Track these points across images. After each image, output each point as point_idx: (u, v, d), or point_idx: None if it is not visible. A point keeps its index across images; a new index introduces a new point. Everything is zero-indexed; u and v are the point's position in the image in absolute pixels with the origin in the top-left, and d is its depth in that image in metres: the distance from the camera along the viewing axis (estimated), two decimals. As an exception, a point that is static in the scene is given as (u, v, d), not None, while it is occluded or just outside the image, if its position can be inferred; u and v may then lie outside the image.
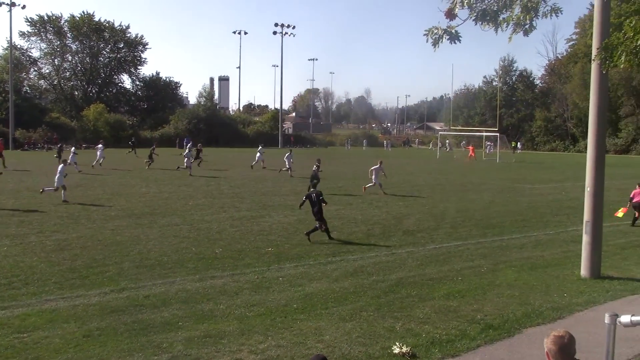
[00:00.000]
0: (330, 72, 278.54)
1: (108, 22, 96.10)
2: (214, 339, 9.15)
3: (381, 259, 15.11)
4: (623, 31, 7.25)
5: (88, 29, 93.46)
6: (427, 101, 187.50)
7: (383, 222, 20.58)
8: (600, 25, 13.08)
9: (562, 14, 7.86)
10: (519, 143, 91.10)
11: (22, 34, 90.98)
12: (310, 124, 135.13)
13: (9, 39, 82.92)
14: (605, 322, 4.28)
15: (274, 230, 18.63)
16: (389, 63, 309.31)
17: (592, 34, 13.56)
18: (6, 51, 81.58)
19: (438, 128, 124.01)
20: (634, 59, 7.16)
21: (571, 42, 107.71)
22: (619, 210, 21.21)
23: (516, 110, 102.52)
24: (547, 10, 7.77)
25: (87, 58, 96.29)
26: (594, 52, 11.72)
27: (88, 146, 66.02)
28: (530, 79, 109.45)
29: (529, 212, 23.67)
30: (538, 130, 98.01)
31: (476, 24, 7.82)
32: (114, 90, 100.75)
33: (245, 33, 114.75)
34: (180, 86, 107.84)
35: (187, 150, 40.92)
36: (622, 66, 7.63)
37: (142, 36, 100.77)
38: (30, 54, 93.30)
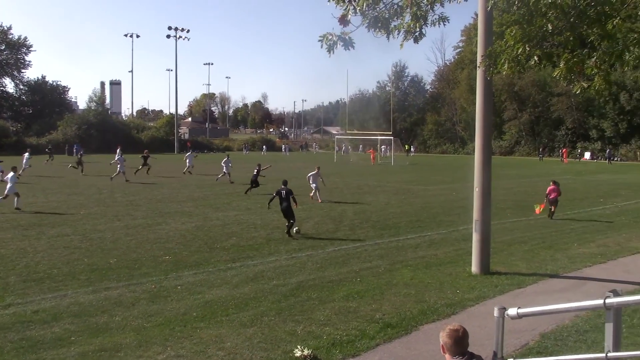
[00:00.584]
0: (227, 77, 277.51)
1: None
2: (109, 353, 8.82)
3: (281, 263, 15.14)
4: (505, 40, 7.67)
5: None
6: (323, 105, 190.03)
7: (282, 226, 20.57)
8: (484, 34, 13.77)
9: (449, 22, 8.23)
10: (412, 146, 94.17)
11: None
12: (207, 129, 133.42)
13: None
14: (495, 315, 4.50)
15: (171, 238, 18.21)
16: (286, 67, 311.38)
17: (477, 42, 14.26)
18: None
19: (335, 132, 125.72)
20: (515, 66, 7.59)
21: (458, 50, 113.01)
22: (538, 207, 23.10)
23: (409, 115, 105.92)
24: (436, 18, 8.10)
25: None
26: (479, 59, 12.30)
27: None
28: (421, 84, 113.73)
29: (422, 212, 24.50)
30: (429, 133, 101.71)
31: (369, 31, 8.02)
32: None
33: (138, 36, 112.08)
34: (68, 90, 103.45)
35: (118, 156, 39.96)
36: (505, 72, 8.06)
37: (25, 38, 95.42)
38: None
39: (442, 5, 8.07)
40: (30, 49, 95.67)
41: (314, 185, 28.43)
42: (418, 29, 8.09)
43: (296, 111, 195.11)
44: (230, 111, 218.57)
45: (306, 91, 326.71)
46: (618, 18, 7.11)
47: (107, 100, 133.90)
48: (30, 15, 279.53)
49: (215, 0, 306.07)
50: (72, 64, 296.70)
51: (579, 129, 79.39)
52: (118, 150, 48.40)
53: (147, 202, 26.62)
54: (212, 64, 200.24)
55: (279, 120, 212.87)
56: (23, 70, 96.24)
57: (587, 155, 74.87)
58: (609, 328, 3.83)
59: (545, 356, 8.29)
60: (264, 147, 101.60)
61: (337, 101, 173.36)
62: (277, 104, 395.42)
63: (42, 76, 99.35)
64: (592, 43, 7.53)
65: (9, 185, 24.78)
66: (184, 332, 9.84)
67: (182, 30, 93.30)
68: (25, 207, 24.28)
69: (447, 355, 4.38)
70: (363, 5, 7.71)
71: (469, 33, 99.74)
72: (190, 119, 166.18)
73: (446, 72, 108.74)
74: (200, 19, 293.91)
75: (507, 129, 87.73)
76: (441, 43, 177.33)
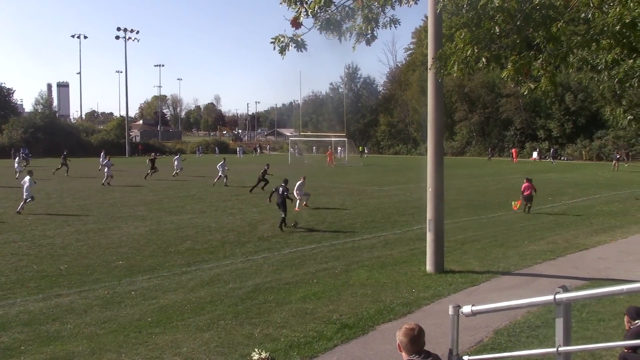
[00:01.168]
0: (178, 78, 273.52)
1: None
2: (62, 362, 8.63)
3: (237, 266, 15.05)
4: (454, 42, 7.81)
5: None
6: (276, 107, 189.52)
7: (238, 229, 20.51)
8: (434, 36, 13.99)
9: (400, 25, 8.33)
10: (365, 147, 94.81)
11: None
12: (159, 132, 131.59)
13: None
14: (449, 313, 4.57)
15: (124, 243, 17.89)
16: (238, 69, 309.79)
17: (427, 44, 14.47)
18: None
19: (288, 134, 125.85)
20: (465, 67, 7.73)
21: (409, 52, 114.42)
22: (514, 203, 25.19)
23: (362, 116, 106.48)
24: (387, 21, 8.20)
25: None
26: (430, 61, 12.49)
27: None
28: (374, 85, 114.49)
29: (377, 213, 24.69)
30: (383, 134, 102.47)
31: (321, 33, 8.06)
32: None
33: (85, 37, 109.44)
34: (13, 93, 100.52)
35: (105, 160, 38.87)
36: (455, 74, 8.20)
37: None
38: None
39: (392, 7, 8.17)
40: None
41: (302, 194, 26.50)
42: (370, 32, 8.17)
43: (250, 113, 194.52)
44: (183, 113, 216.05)
45: (260, 93, 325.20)
46: (562, 21, 7.33)
47: (55, 103, 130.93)
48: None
49: (166, 0, 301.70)
50: (17, 65, 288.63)
51: (527, 129, 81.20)
52: (102, 154, 47.43)
53: (98, 207, 26.09)
54: (163, 65, 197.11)
55: (232, 122, 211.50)
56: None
57: (535, 154, 76.68)
58: (559, 323, 3.94)
59: (499, 352, 8.48)
60: (216, 149, 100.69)
61: (291, 103, 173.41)
62: (231, 106, 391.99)
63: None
64: (538, 45, 7.75)
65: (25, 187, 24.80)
66: (138, 338, 9.69)
67: (132, 31, 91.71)
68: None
69: (403, 354, 4.42)
70: (315, 8, 7.74)
71: (420, 35, 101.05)
72: (141, 121, 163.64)
73: (398, 73, 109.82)
74: (151, 20, 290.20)
75: (458, 130, 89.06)
76: (392, 45, 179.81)
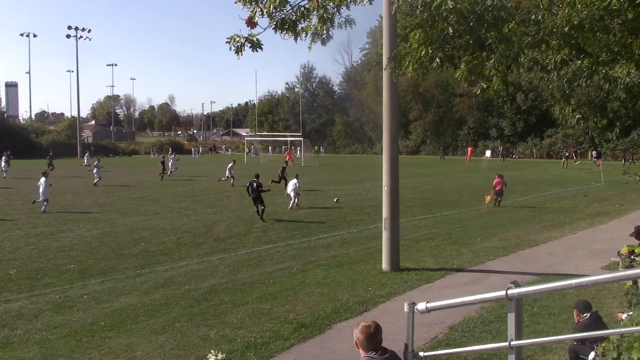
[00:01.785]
0: (131, 78, 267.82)
1: None
2: (11, 369, 8.39)
3: (192, 267, 14.90)
4: (409, 43, 7.88)
5: None
6: (232, 107, 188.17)
7: (193, 230, 20.30)
8: (388, 36, 14.12)
9: (355, 25, 8.34)
10: (321, 147, 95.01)
11: None
12: (112, 132, 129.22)
13: None
14: (405, 310, 4.61)
15: (75, 246, 17.50)
16: (193, 69, 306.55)
17: (382, 44, 14.58)
18: None
19: (244, 134, 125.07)
20: (420, 67, 7.80)
21: (364, 51, 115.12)
22: (487, 197, 26.79)
23: (318, 116, 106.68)
24: (342, 21, 8.20)
25: None
26: (385, 61, 12.57)
27: None
28: (330, 85, 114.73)
29: (333, 212, 24.77)
30: (339, 134, 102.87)
31: (276, 33, 8.02)
32: None
33: (35, 35, 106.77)
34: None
35: (96, 162, 39.35)
36: (410, 74, 8.28)
37: None
38: None
39: (347, 8, 8.18)
40: None
41: (294, 194, 26.44)
42: (325, 32, 8.16)
43: (205, 113, 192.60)
44: (136, 114, 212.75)
45: (215, 93, 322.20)
46: (513, 22, 7.47)
47: (3, 103, 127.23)
48: None
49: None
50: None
51: (480, 128, 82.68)
52: (87, 155, 51.51)
53: (49, 209, 25.44)
54: (115, 65, 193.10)
55: (187, 122, 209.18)
56: None
57: (488, 153, 78.11)
58: (511, 318, 4.02)
59: (453, 348, 8.59)
60: (170, 149, 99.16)
61: (247, 103, 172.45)
62: (185, 106, 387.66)
63: None
64: (490, 46, 7.87)
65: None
66: (91, 342, 9.50)
67: (83, 30, 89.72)
68: None
69: (361, 351, 4.45)
70: (270, 7, 7.70)
71: (375, 35, 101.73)
72: (93, 122, 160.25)
73: (353, 73, 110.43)
74: (103, 19, 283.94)
75: (413, 129, 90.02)
76: (348, 45, 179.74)
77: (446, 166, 59.00)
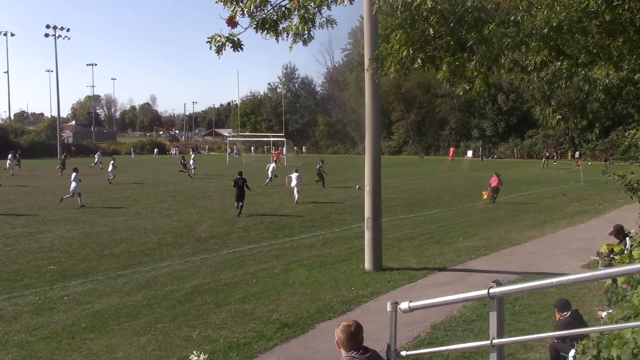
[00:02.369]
0: (112, 78, 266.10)
1: None
2: (-10, 371, 8.29)
3: (174, 268, 14.83)
4: (390, 43, 7.90)
5: None
6: (214, 107, 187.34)
7: (175, 230, 20.20)
8: (370, 37, 14.15)
9: (336, 25, 8.37)
10: (303, 147, 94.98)
11: None
12: (93, 133, 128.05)
13: None
14: (388, 310, 4.63)
15: (55, 247, 17.33)
16: (175, 69, 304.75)
17: (364, 44, 14.61)
18: None
19: (227, 134, 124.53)
20: (401, 68, 7.82)
21: (346, 52, 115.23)
22: (483, 193, 28.49)
23: (300, 116, 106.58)
24: (323, 21, 8.23)
25: None
26: (367, 62, 12.60)
27: None
28: (312, 86, 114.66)
29: (315, 212, 24.78)
30: (321, 134, 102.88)
31: (257, 32, 8.01)
32: None
33: (12, 35, 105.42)
34: None
35: (111, 161, 42.19)
36: (391, 75, 8.31)
37: None
38: None
39: (329, 8, 8.20)
40: None
41: (297, 187, 28.64)
42: (306, 32, 8.17)
43: (187, 113, 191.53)
44: (117, 114, 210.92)
45: (197, 93, 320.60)
46: (493, 24, 7.53)
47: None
48: None
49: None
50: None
51: (462, 129, 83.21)
52: (98, 154, 56.27)
53: (27, 210, 25.19)
54: (96, 64, 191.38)
55: (169, 122, 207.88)
56: None
57: (470, 153, 78.60)
58: (493, 316, 4.05)
59: (436, 346, 8.64)
60: (155, 150, 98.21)
61: (229, 103, 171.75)
62: (167, 106, 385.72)
63: None
64: (471, 47, 7.92)
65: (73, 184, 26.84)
66: (72, 344, 9.42)
67: (62, 29, 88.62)
68: None
69: (342, 351, 4.46)
70: (251, 7, 7.69)
71: (356, 36, 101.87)
72: (74, 122, 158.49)
73: (335, 74, 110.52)
74: (82, 18, 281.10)
75: (395, 130, 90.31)
76: (330, 45, 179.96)
77: (428, 166, 59.26)
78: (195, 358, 8.60)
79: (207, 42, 7.73)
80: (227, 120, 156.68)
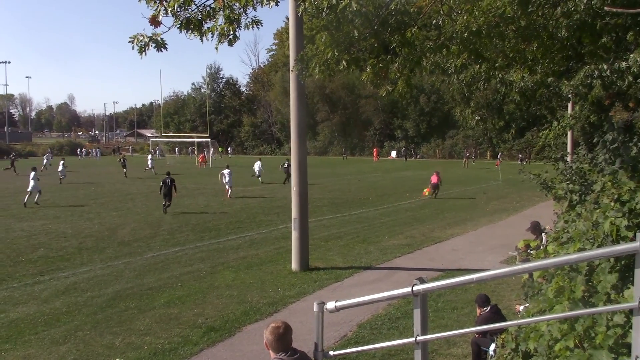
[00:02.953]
0: (27, 77, 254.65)
1: None
2: None
3: (96, 273, 14.38)
4: (316, 45, 7.95)
5: None
6: (136, 107, 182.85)
7: (96, 234, 19.58)
8: (295, 38, 14.19)
9: (262, 26, 8.34)
10: (229, 148, 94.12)
11: None
12: (7, 133, 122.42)
13: None
14: (314, 310, 4.65)
15: (-33, 254, 16.48)
16: (95, 67, 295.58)
17: (289, 45, 14.64)
18: None
19: (149, 135, 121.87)
20: (326, 70, 7.88)
21: (271, 52, 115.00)
22: (425, 191, 30.27)
23: (225, 117, 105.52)
24: (249, 22, 8.18)
25: None
26: (292, 62, 12.63)
27: None
28: (237, 86, 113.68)
29: (242, 213, 24.61)
30: (246, 135, 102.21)
31: (181, 32, 7.88)
32: None
33: None
34: None
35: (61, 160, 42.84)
36: (316, 76, 8.35)
37: None
38: None
39: (254, 8, 8.16)
40: None
41: (229, 184, 30.82)
42: (232, 32, 8.10)
43: (107, 113, 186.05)
44: (33, 114, 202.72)
45: (117, 92, 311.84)
46: (415, 27, 7.70)
47: None
48: None
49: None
50: None
51: (385, 129, 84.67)
52: (47, 155, 58.54)
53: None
54: (9, 62, 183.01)
55: (88, 123, 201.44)
56: None
57: (394, 153, 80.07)
58: (416, 313, 4.13)
59: (362, 345, 8.76)
60: (88, 151, 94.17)
61: (151, 103, 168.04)
62: (86, 106, 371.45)
63: None
64: (394, 50, 8.06)
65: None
66: (-14, 356, 8.98)
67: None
68: None
69: (271, 353, 4.45)
70: (174, 6, 7.57)
71: (282, 36, 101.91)
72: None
73: (261, 74, 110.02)
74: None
75: (320, 130, 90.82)
76: (255, 46, 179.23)
77: (354, 166, 59.93)
78: (119, 365, 8.39)
79: (129, 42, 7.54)
80: (150, 120, 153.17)
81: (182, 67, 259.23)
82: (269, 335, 4.45)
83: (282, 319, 6.55)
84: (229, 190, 30.63)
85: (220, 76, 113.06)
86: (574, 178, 8.33)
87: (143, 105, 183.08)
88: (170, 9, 7.53)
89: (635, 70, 8.31)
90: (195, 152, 79.65)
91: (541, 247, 11.50)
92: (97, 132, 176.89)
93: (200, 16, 7.95)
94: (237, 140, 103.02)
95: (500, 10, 7.50)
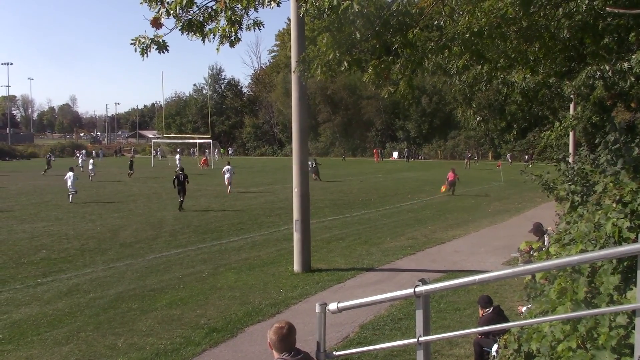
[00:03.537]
0: (29, 78, 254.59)
1: None
2: None
3: (98, 274, 14.39)
4: (317, 46, 7.95)
5: None
6: (138, 109, 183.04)
7: (98, 235, 19.60)
8: (297, 39, 14.20)
9: (264, 27, 8.34)
10: (230, 149, 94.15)
11: None
12: (8, 135, 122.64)
13: None
14: (317, 311, 4.65)
15: (-31, 255, 16.50)
16: (96, 69, 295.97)
17: (291, 46, 14.64)
18: None
19: (151, 136, 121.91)
20: (328, 71, 7.88)
21: (273, 54, 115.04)
22: (442, 187, 31.66)
23: (227, 118, 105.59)
24: (250, 23, 8.18)
25: None
26: (294, 64, 12.63)
27: None
28: (238, 87, 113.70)
29: (244, 215, 24.62)
30: (248, 136, 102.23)
31: (182, 34, 7.89)
32: None
33: None
34: None
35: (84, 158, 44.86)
36: (318, 77, 8.36)
37: None
38: None
39: (256, 10, 8.17)
40: None
41: (230, 180, 32.97)
42: (233, 33, 8.11)
43: (109, 114, 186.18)
44: (35, 115, 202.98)
45: (119, 94, 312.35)
46: (417, 28, 7.70)
47: None
48: None
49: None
50: None
51: (387, 130, 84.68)
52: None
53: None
54: (11, 63, 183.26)
55: (90, 124, 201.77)
56: None
57: (395, 154, 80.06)
58: (419, 314, 4.13)
59: (364, 346, 8.75)
60: (84, 151, 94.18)
61: (153, 104, 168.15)
62: (88, 107, 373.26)
63: None
64: (396, 50, 8.06)
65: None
66: (-12, 357, 8.99)
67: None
68: None
69: (274, 353, 4.46)
70: (176, 8, 7.57)
71: (283, 38, 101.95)
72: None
73: (262, 75, 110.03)
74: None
75: (322, 131, 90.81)
76: (257, 47, 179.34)
77: (355, 167, 59.92)
78: (121, 366, 8.40)
79: (131, 43, 7.55)
80: (152, 121, 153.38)
81: (184, 69, 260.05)
82: (272, 336, 4.46)
83: (285, 320, 6.56)
84: (230, 187, 32.65)
85: (222, 77, 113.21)
86: (575, 179, 8.32)
87: (145, 106, 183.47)
88: (172, 11, 7.54)
89: (638, 71, 8.32)
90: (197, 153, 79.70)
91: (543, 249, 11.50)
92: (99, 133, 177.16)
93: (202, 18, 7.96)
94: (239, 141, 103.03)
95: (502, 11, 7.50)
